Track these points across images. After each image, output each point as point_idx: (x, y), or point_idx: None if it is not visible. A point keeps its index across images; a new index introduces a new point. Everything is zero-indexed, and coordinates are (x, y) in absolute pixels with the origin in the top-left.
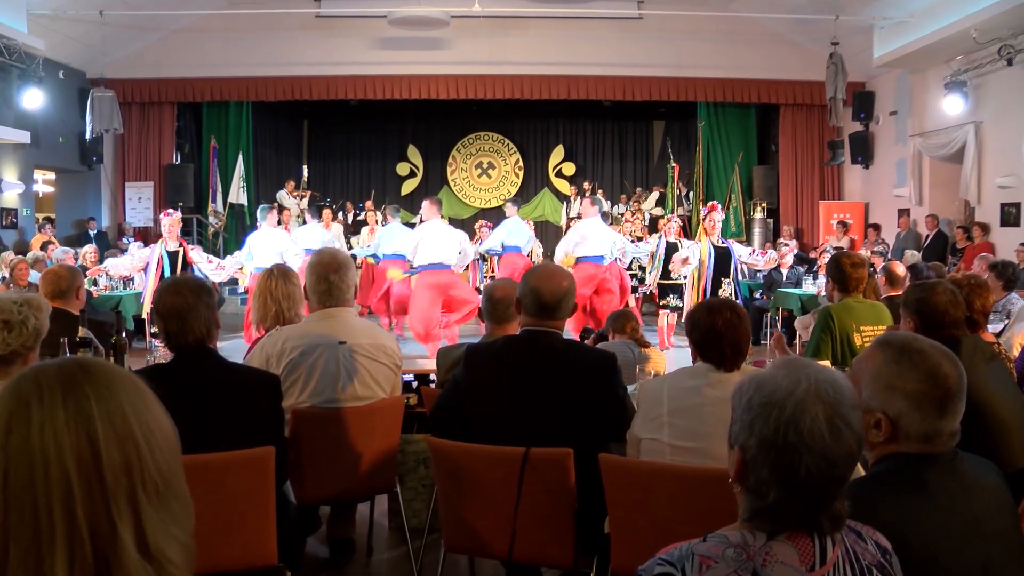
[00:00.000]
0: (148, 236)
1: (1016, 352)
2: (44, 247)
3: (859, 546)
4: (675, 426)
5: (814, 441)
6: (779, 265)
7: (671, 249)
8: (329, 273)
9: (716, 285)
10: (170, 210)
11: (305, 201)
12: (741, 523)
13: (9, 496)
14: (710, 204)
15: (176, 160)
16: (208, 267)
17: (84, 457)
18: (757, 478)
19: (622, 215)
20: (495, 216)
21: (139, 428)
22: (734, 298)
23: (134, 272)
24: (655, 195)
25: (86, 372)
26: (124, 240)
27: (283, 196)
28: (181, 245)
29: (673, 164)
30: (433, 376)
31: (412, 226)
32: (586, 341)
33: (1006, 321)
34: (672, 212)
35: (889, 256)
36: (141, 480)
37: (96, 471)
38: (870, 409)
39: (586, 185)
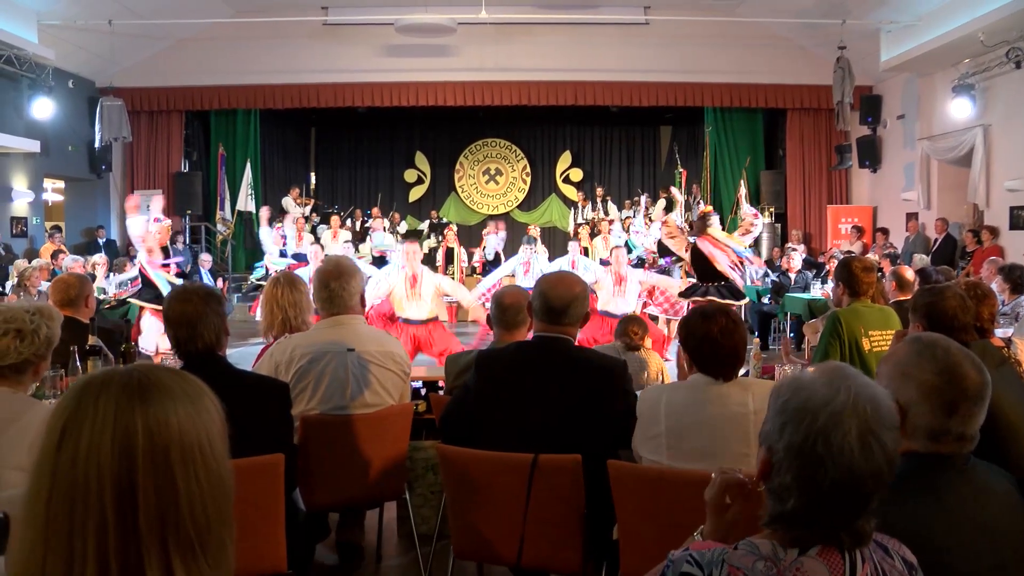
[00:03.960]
0: None
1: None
2: (55, 256)
3: (887, 563)
4: (674, 448)
5: (842, 456)
6: (787, 269)
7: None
8: (330, 280)
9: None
10: (159, 216)
11: (308, 208)
12: (766, 530)
13: (50, 514)
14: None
15: (184, 168)
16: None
17: (123, 491)
18: (780, 483)
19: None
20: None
21: (183, 475)
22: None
23: None
24: (662, 201)
25: (144, 397)
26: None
27: (288, 203)
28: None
29: (681, 169)
30: (441, 383)
31: (419, 233)
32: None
33: (1015, 324)
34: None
35: (899, 260)
36: (175, 529)
37: (131, 511)
38: None
39: (599, 191)
